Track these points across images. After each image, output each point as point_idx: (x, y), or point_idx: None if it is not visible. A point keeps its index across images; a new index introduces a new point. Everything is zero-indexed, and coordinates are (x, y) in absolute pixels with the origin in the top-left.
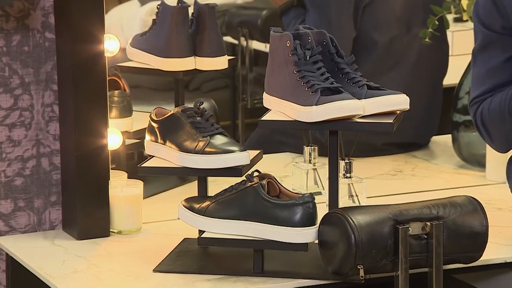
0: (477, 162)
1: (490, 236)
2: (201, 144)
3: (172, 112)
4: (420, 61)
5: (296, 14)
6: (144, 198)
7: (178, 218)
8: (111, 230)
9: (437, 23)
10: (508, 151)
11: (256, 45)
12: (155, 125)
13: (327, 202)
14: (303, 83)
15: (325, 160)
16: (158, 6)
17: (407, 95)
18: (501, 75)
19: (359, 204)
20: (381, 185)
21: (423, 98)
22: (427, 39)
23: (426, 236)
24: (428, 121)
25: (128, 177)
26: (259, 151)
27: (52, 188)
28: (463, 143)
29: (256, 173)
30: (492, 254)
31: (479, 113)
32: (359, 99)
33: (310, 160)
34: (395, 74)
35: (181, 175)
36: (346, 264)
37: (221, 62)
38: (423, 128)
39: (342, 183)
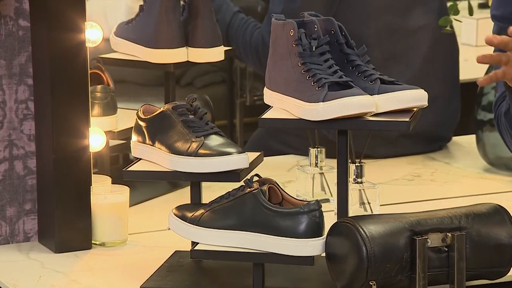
0: (505, 165)
1: None
2: (194, 145)
3: (161, 109)
4: (428, 54)
5: None
6: (130, 206)
7: (169, 229)
8: (93, 242)
9: (459, 10)
10: None
11: None
12: (142, 124)
13: (336, 210)
14: (309, 77)
15: (333, 163)
16: None
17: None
18: None
19: (372, 212)
20: (396, 191)
21: (437, 96)
22: (448, 27)
23: (446, 249)
24: (446, 121)
25: (112, 183)
26: (260, 153)
27: (27, 195)
28: (488, 144)
29: (256, 178)
30: None
31: (496, 116)
32: (371, 95)
33: (316, 163)
34: (400, 68)
35: (172, 180)
36: (357, 279)
37: (216, 54)
38: (442, 122)
39: (353, 189)
